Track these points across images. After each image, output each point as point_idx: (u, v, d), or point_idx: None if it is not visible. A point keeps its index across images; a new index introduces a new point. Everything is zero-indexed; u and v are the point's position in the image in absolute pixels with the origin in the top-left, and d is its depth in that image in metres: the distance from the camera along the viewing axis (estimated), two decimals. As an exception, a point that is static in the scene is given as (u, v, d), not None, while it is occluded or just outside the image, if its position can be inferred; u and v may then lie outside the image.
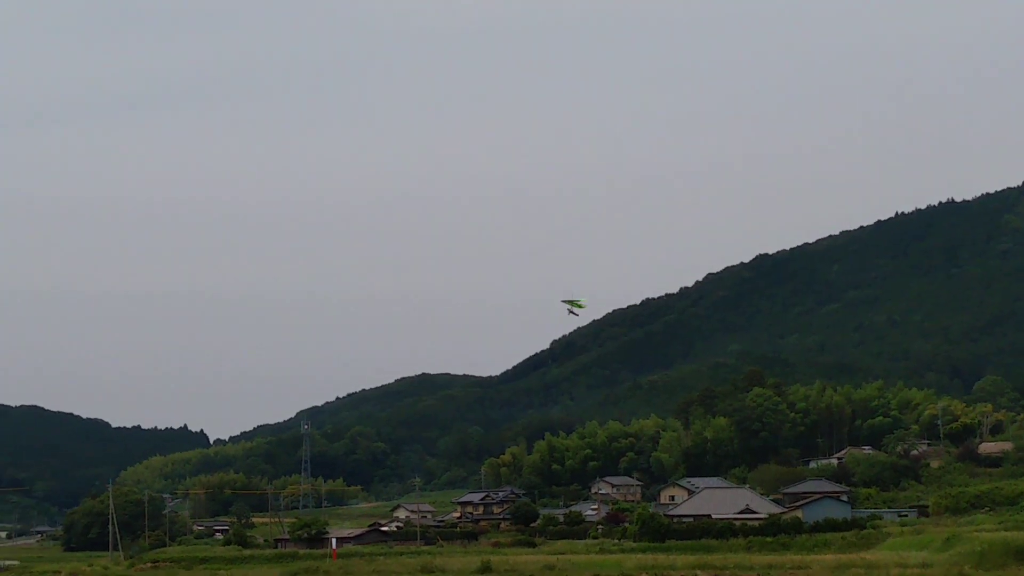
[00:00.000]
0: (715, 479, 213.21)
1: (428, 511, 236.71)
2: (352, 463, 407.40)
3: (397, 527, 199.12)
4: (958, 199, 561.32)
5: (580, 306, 74.86)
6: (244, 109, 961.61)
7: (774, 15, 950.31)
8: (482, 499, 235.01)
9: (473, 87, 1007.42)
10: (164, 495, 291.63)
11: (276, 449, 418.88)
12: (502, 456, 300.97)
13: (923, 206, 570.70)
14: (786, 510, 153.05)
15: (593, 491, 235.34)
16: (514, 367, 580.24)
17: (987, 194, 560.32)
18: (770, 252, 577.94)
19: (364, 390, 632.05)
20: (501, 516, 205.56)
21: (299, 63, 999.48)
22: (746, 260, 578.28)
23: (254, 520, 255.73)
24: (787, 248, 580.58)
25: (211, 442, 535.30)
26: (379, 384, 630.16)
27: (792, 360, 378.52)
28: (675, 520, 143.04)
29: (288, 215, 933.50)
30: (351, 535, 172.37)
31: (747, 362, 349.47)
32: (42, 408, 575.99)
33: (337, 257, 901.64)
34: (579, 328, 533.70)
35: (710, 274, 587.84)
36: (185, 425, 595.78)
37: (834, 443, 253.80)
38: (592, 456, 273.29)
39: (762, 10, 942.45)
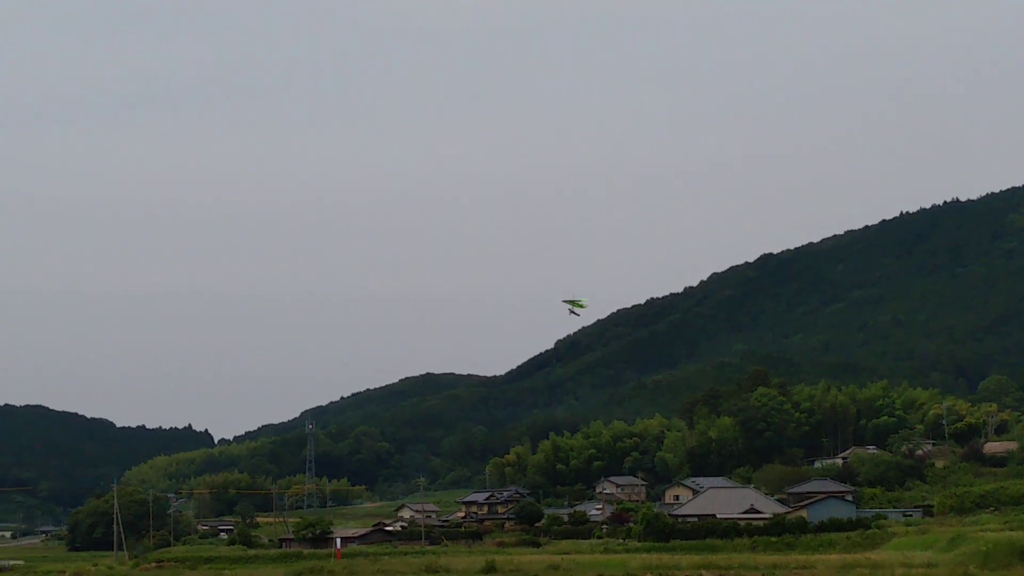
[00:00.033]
0: (720, 479, 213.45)
1: (432, 511, 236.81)
2: (356, 463, 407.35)
3: (401, 527, 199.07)
4: (963, 199, 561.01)
5: (581, 306, 74.83)
6: (244, 109, 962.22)
7: (774, 15, 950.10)
8: (486, 499, 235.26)
9: (473, 87, 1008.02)
10: (168, 495, 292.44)
11: (280, 449, 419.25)
12: (506, 456, 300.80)
13: (927, 205, 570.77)
14: (791, 510, 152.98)
15: (597, 491, 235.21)
16: (518, 367, 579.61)
17: (992, 193, 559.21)
18: (774, 252, 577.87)
19: (368, 390, 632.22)
20: (505, 516, 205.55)
21: (299, 63, 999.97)
22: (751, 260, 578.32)
23: (258, 520, 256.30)
24: (791, 248, 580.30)
25: (215, 442, 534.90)
26: (383, 384, 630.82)
27: (797, 360, 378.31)
28: (680, 520, 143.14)
29: (289, 215, 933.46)
30: (355, 535, 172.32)
31: (751, 362, 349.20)
32: (47, 408, 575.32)
33: (338, 257, 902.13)
34: (583, 328, 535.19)
35: (714, 274, 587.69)
36: (189, 425, 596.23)
37: (839, 443, 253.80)
38: (596, 456, 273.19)
39: (762, 10, 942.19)
